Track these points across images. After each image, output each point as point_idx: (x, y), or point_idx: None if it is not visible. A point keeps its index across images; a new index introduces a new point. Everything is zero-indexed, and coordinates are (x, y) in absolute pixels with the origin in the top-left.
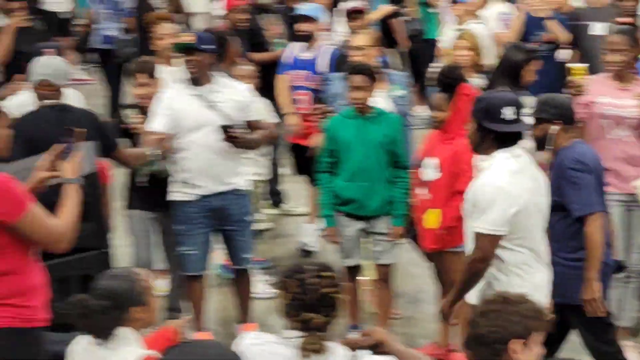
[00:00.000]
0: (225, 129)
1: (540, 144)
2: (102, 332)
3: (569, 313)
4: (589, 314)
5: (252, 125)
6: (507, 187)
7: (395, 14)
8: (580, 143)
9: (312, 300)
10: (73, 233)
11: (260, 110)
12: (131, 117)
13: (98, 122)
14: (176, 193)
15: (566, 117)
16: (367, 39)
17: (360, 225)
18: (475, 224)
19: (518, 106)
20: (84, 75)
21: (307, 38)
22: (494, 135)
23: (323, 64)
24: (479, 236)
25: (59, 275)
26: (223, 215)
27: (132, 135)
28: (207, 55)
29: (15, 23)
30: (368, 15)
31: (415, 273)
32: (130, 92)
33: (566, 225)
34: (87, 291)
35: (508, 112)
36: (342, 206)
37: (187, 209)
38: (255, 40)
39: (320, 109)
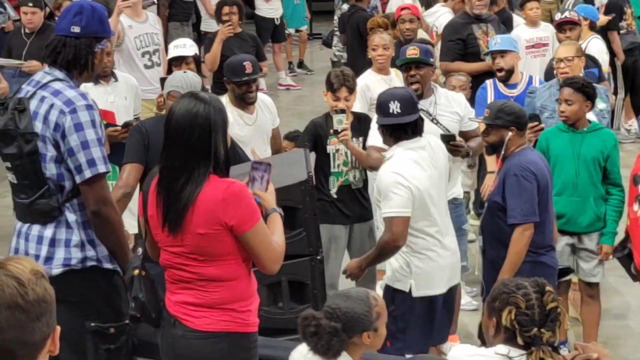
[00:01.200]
0: (447, 139)
1: (493, 149)
2: (329, 352)
3: None
4: None
5: (468, 135)
6: (401, 174)
7: (611, 26)
8: (529, 150)
9: (541, 316)
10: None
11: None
12: (343, 123)
13: None
14: None
15: (519, 124)
16: (572, 50)
17: (569, 240)
18: (383, 211)
19: (405, 100)
20: (291, 81)
21: (507, 74)
22: (388, 130)
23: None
24: (388, 220)
25: (269, 281)
26: None
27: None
28: (430, 68)
29: (227, 30)
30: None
31: (623, 291)
32: (328, 102)
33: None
34: (296, 297)
35: (393, 106)
36: None
37: None
38: (468, 49)
39: (535, 126)
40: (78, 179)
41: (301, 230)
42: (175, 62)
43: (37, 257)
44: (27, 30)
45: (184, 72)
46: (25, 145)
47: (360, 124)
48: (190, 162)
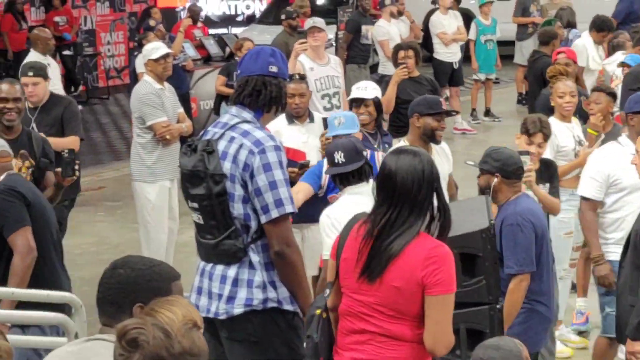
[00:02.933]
0: None
1: (482, 193)
2: None
3: None
4: None
5: None
6: (336, 218)
7: None
8: (525, 197)
9: None
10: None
11: None
12: (527, 164)
13: None
14: (613, 253)
15: (505, 172)
16: None
17: None
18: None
19: (348, 150)
20: (467, 126)
21: None
22: (336, 178)
23: None
24: (324, 263)
25: None
26: None
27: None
28: None
29: (401, 72)
30: None
31: None
32: (520, 144)
33: None
34: (474, 346)
35: (338, 156)
36: None
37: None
38: None
39: None
40: (264, 219)
41: (481, 278)
42: (355, 104)
43: (219, 296)
44: (30, 105)
45: None
46: (214, 186)
47: (546, 170)
48: (412, 218)
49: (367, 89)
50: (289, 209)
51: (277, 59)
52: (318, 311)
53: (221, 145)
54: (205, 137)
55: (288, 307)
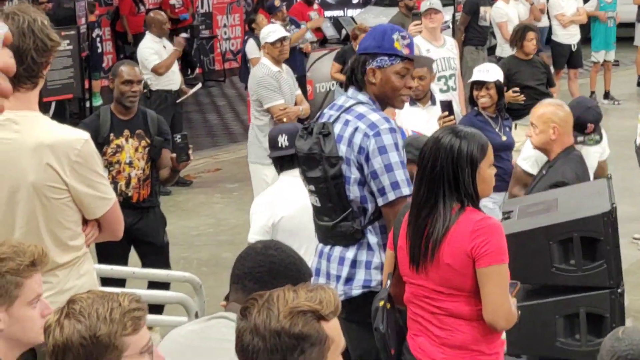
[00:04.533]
0: None
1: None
2: None
3: None
4: None
5: None
6: (272, 201)
7: None
8: None
9: None
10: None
11: None
12: None
13: None
14: None
15: None
16: None
17: None
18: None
19: (292, 134)
20: None
21: None
22: (279, 161)
23: None
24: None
25: (566, 312)
26: None
27: None
28: None
29: None
30: None
31: None
32: None
33: None
34: (593, 330)
35: (281, 140)
36: None
37: None
38: None
39: None
40: (380, 202)
41: (602, 262)
42: (477, 86)
43: (338, 277)
44: None
45: None
46: (330, 169)
47: None
48: (447, 198)
49: (489, 72)
50: (405, 191)
51: (369, 36)
52: (381, 302)
53: (337, 128)
54: (321, 119)
55: None
